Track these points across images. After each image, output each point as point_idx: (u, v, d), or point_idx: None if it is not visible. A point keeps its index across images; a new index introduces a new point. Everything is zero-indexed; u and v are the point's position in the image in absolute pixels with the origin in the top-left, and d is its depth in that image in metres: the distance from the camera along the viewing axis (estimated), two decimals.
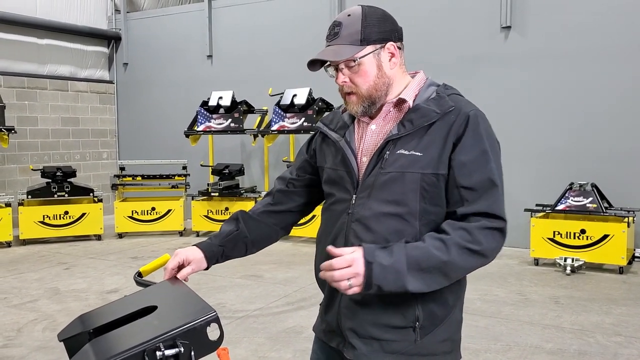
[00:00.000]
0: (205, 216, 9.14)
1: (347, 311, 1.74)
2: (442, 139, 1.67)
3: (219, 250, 1.92)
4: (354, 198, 1.74)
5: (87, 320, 1.55)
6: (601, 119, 7.56)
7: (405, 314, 1.68)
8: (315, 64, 1.76)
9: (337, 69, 1.74)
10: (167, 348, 1.29)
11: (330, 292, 1.79)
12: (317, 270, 1.82)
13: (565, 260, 6.74)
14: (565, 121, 7.78)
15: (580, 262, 6.71)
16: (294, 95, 8.68)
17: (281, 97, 8.82)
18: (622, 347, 4.46)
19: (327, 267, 1.57)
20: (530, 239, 7.11)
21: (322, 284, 1.85)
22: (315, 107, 8.51)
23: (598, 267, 6.91)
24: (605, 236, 6.65)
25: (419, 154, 1.67)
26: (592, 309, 5.39)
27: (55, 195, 8.78)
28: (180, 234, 9.34)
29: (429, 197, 1.68)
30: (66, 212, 8.80)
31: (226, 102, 9.16)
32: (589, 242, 6.75)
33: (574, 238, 6.83)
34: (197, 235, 9.20)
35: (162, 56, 11.20)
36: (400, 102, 1.76)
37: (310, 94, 8.63)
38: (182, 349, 1.30)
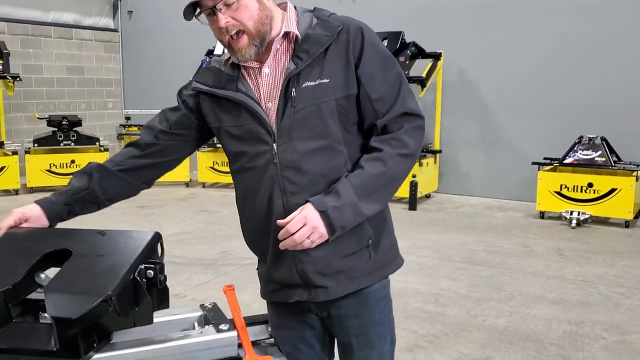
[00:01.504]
0: (211, 167, 9.14)
1: (306, 257, 1.68)
2: (343, 60, 1.64)
3: (64, 209, 1.76)
4: (274, 147, 1.66)
5: None
6: (612, 71, 7.43)
7: (359, 237, 1.70)
8: (188, 13, 1.62)
9: (213, 13, 1.60)
10: (147, 268, 1.32)
11: (276, 248, 1.67)
12: (253, 236, 1.79)
13: (571, 213, 6.73)
14: (575, 74, 7.66)
15: (587, 216, 6.71)
16: None
17: None
18: (625, 297, 4.48)
19: (285, 234, 1.57)
20: (536, 192, 7.09)
21: (259, 247, 1.80)
22: None
23: (604, 221, 6.91)
24: (613, 190, 6.62)
25: (326, 80, 1.63)
26: (596, 261, 5.41)
27: (62, 144, 8.79)
28: (187, 184, 9.36)
29: (347, 120, 1.67)
30: (72, 161, 8.81)
31: None
32: (596, 195, 6.73)
33: (581, 191, 6.81)
34: (203, 187, 9.22)
35: (167, 3, 11.01)
36: (286, 35, 1.68)
37: None
38: (157, 266, 1.33)
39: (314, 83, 1.62)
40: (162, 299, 1.36)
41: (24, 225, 1.68)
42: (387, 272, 1.82)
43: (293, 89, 1.62)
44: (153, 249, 1.39)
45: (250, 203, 1.75)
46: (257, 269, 1.89)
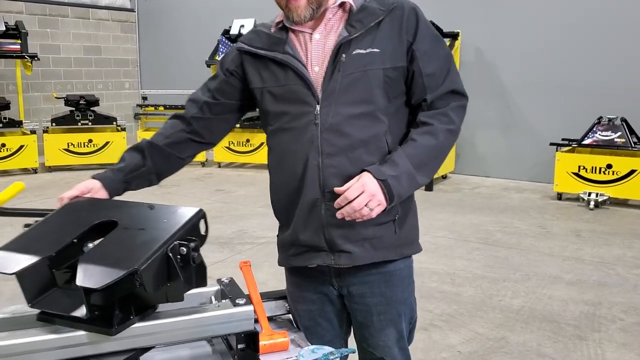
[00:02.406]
0: (227, 147, 9.16)
1: (336, 220, 1.68)
2: (396, 33, 1.70)
3: (121, 186, 1.79)
4: (317, 108, 1.68)
5: (32, 247, 1.41)
6: (633, 51, 7.30)
7: (389, 210, 1.70)
8: None
9: None
10: (182, 245, 1.32)
11: (306, 211, 1.73)
12: (283, 197, 1.80)
13: (589, 195, 6.67)
14: (595, 53, 7.54)
15: (605, 197, 6.64)
16: None
17: None
18: None
19: (343, 201, 1.59)
20: (554, 174, 7.03)
21: (287, 209, 1.81)
22: None
23: (623, 203, 6.84)
24: (633, 171, 6.54)
25: (377, 50, 1.68)
26: (614, 243, 5.37)
27: (79, 124, 8.84)
28: (203, 164, 9.40)
29: (392, 91, 1.71)
30: (90, 140, 8.87)
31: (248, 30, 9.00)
32: (615, 177, 6.66)
33: (600, 173, 6.74)
34: (219, 167, 9.26)
35: None
36: (342, 6, 1.73)
37: None
38: (192, 244, 1.32)
39: (364, 51, 1.67)
40: (199, 277, 1.36)
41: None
42: (409, 251, 1.84)
43: (343, 55, 1.67)
44: (194, 225, 1.39)
45: (285, 163, 1.77)
46: (277, 236, 1.91)
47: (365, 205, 1.58)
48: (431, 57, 1.72)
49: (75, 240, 1.41)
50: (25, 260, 1.35)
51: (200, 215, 1.42)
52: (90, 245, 1.44)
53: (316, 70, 1.70)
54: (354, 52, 1.67)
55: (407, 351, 1.90)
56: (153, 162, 1.84)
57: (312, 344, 1.90)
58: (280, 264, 1.91)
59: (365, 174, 1.62)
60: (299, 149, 1.71)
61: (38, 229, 1.49)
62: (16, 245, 1.42)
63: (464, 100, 1.78)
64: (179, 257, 1.30)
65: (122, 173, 1.79)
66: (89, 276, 1.26)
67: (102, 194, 1.73)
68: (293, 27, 1.74)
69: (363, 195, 1.58)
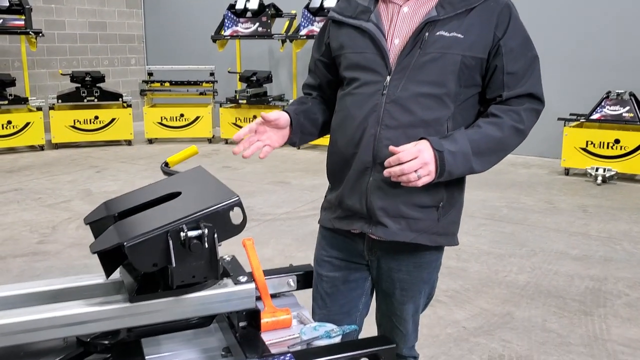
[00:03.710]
0: (233, 124, 9.14)
1: (378, 191, 1.74)
2: (485, 24, 1.69)
3: (297, 121, 1.88)
4: (387, 79, 1.70)
5: (112, 205, 1.55)
6: None
7: (433, 194, 1.74)
8: None
9: None
10: (190, 230, 1.29)
11: (355, 176, 1.78)
12: (336, 160, 1.85)
13: (596, 170, 6.64)
14: (603, 27, 7.43)
15: (612, 172, 6.60)
16: None
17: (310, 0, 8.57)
18: None
19: (395, 161, 1.60)
20: (562, 149, 6.98)
21: (338, 172, 1.85)
22: None
23: (630, 178, 6.81)
24: None
25: (461, 36, 1.67)
26: (620, 218, 5.34)
27: (85, 100, 8.83)
28: (209, 140, 9.38)
29: (464, 79, 1.71)
30: (96, 117, 8.86)
31: (253, 5, 8.93)
32: (623, 152, 6.61)
33: (608, 148, 6.69)
34: (226, 143, 9.24)
35: None
36: None
37: None
38: (205, 231, 1.30)
39: (448, 34, 1.67)
40: (200, 268, 1.33)
41: (268, 131, 1.82)
42: (444, 242, 1.85)
43: (427, 33, 1.67)
44: (220, 213, 1.35)
45: (344, 127, 1.80)
46: (325, 196, 1.96)
47: (415, 172, 1.59)
48: (517, 56, 1.71)
49: (142, 205, 1.49)
50: (99, 214, 1.50)
51: (233, 203, 1.38)
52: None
53: (396, 42, 1.73)
54: (437, 33, 1.67)
55: (418, 324, 1.99)
56: (312, 104, 1.96)
57: (330, 311, 1.95)
58: (322, 223, 1.97)
59: (423, 141, 1.63)
60: (361, 115, 1.74)
61: (140, 190, 1.64)
62: (111, 201, 1.58)
63: (540, 106, 1.77)
64: (179, 242, 1.29)
65: (293, 107, 1.92)
66: (98, 240, 1.33)
67: (284, 132, 1.85)
68: None
69: (416, 160, 1.59)
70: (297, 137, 1.90)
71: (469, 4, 1.68)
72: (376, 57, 1.73)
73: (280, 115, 1.81)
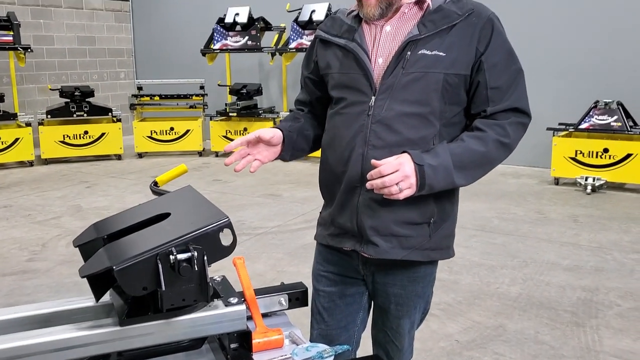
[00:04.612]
0: (223, 136, 9.13)
1: (368, 210, 1.75)
2: (466, 41, 1.69)
3: (289, 138, 1.90)
4: (372, 100, 1.72)
5: (102, 227, 1.55)
6: (629, 34, 7.27)
7: (423, 211, 1.75)
8: None
9: None
10: (179, 252, 1.29)
11: (345, 194, 1.79)
12: (327, 178, 1.87)
13: (586, 179, 6.67)
14: (591, 37, 7.50)
15: (602, 182, 6.64)
16: (313, 11, 8.44)
17: (299, 13, 8.60)
18: None
19: (376, 174, 1.61)
20: (551, 158, 7.02)
21: (330, 190, 1.88)
22: None
23: (619, 187, 6.85)
24: (629, 155, 6.54)
25: (442, 54, 1.68)
26: (611, 227, 5.37)
27: (74, 115, 8.80)
28: (200, 154, 9.37)
29: (449, 97, 1.72)
30: (86, 132, 8.84)
31: (243, 18, 8.95)
32: (612, 161, 6.65)
33: (597, 157, 6.73)
34: (217, 156, 9.23)
35: None
36: (419, 3, 1.74)
37: (329, 9, 8.39)
38: (195, 254, 1.29)
39: (429, 53, 1.68)
40: (190, 291, 1.32)
41: (260, 146, 1.83)
42: (438, 257, 1.86)
43: (409, 52, 1.69)
44: (209, 235, 1.34)
45: (334, 146, 1.83)
46: (320, 212, 1.99)
47: (396, 184, 1.61)
48: (500, 70, 1.72)
49: (131, 226, 1.49)
50: (88, 237, 1.50)
51: (223, 224, 1.37)
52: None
53: (380, 62, 1.74)
54: (419, 52, 1.68)
55: (413, 339, 2.01)
56: (305, 119, 1.98)
57: (328, 326, 1.95)
58: (317, 239, 1.99)
59: (404, 155, 1.64)
60: (349, 135, 1.77)
61: (129, 210, 1.63)
62: (100, 222, 1.57)
63: (526, 119, 1.77)
64: (169, 265, 1.28)
65: (287, 124, 1.93)
66: (87, 264, 1.32)
67: (276, 150, 1.86)
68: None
69: (397, 173, 1.60)
70: (288, 155, 1.92)
71: (450, 21, 1.69)
72: (361, 77, 1.75)
73: (274, 134, 1.83)
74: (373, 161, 1.64)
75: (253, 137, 1.81)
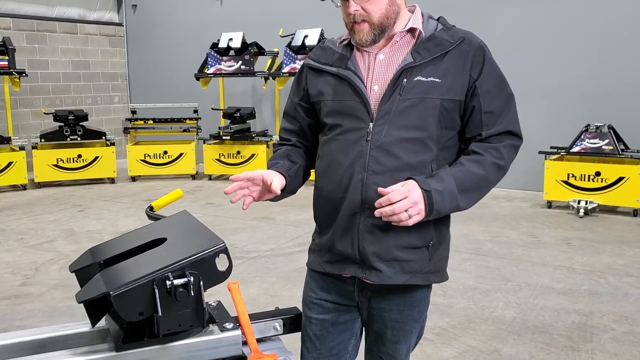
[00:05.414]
0: (217, 160, 9.14)
1: (369, 236, 1.76)
2: (459, 68, 1.74)
3: (288, 185, 1.88)
4: (370, 126, 1.74)
5: (98, 252, 1.55)
6: (620, 59, 7.37)
7: (423, 235, 1.77)
8: None
9: None
10: (176, 278, 1.29)
11: (344, 221, 1.79)
12: (324, 205, 1.86)
13: (578, 202, 6.71)
14: (582, 61, 7.60)
15: (594, 205, 6.68)
16: (305, 36, 8.53)
17: (292, 38, 8.68)
18: (634, 287, 4.46)
19: (386, 202, 1.63)
20: (543, 182, 7.06)
21: (327, 217, 1.86)
22: None
23: (612, 210, 6.88)
24: (621, 178, 6.59)
25: (438, 80, 1.72)
26: (604, 251, 5.39)
27: (68, 139, 8.80)
28: (193, 177, 9.37)
29: (445, 121, 1.75)
30: (79, 156, 8.83)
31: (236, 43, 9.03)
32: (604, 184, 6.69)
33: (589, 180, 6.78)
34: (210, 179, 9.23)
35: None
36: (411, 31, 1.79)
37: (322, 34, 8.48)
38: (191, 279, 1.30)
39: (426, 79, 1.72)
40: (187, 316, 1.32)
41: (260, 184, 1.81)
42: (436, 280, 1.88)
43: (405, 79, 1.72)
44: (205, 260, 1.35)
45: (330, 173, 1.82)
46: (312, 239, 1.97)
47: (405, 211, 1.62)
48: (493, 96, 1.77)
49: (128, 252, 1.50)
50: (84, 262, 1.51)
51: (219, 250, 1.39)
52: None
53: (375, 89, 1.77)
54: (415, 79, 1.72)
55: None
56: (296, 157, 1.96)
57: (319, 353, 1.94)
58: (311, 266, 1.96)
59: (411, 181, 1.66)
60: (347, 161, 1.77)
61: (125, 235, 1.66)
62: (96, 248, 1.59)
63: (518, 141, 1.83)
64: (165, 290, 1.28)
65: (283, 168, 1.89)
66: (83, 289, 1.33)
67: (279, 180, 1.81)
68: (357, 46, 1.81)
69: (406, 200, 1.62)
70: (281, 197, 1.90)
71: (443, 49, 1.73)
72: (357, 104, 1.77)
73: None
74: (380, 189, 1.65)
75: (258, 178, 1.80)
